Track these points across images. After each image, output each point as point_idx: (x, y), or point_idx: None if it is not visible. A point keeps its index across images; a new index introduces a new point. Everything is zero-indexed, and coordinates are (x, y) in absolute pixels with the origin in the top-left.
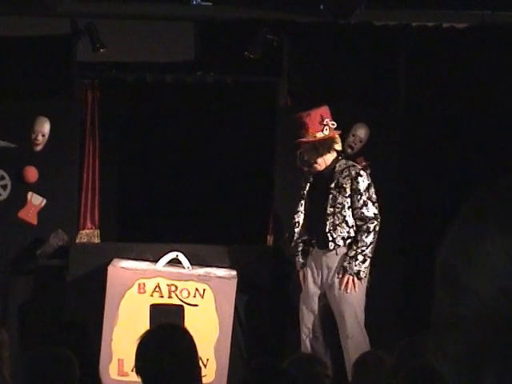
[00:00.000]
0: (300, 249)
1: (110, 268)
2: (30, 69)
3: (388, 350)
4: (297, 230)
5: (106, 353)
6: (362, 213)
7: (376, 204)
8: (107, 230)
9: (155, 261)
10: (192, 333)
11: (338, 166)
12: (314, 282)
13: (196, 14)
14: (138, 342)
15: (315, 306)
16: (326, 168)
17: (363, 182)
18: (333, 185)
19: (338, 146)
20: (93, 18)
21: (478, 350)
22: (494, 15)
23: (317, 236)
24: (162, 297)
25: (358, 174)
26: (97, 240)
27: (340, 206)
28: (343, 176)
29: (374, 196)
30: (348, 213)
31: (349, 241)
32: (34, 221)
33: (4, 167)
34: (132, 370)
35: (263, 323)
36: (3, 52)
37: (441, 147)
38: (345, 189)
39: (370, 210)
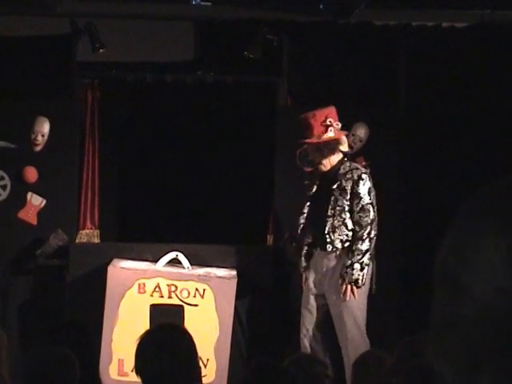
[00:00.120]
0: (304, 252)
1: (110, 268)
2: (29, 69)
3: (388, 349)
4: (300, 231)
5: (106, 353)
6: (360, 217)
7: (375, 209)
8: (107, 230)
9: (155, 261)
10: (192, 333)
11: (342, 168)
12: (314, 284)
13: (196, 13)
14: (138, 342)
15: (315, 307)
16: (331, 169)
17: (364, 185)
18: (335, 186)
19: (344, 147)
20: (93, 17)
21: (477, 350)
22: (494, 14)
23: (317, 237)
24: (161, 297)
25: (360, 178)
26: (97, 240)
27: (340, 209)
28: (346, 178)
29: (373, 201)
30: (348, 216)
31: (347, 244)
32: (34, 221)
33: (4, 167)
34: (132, 370)
35: (263, 323)
36: (3, 52)
37: (441, 147)
38: (346, 191)
39: (367, 216)
